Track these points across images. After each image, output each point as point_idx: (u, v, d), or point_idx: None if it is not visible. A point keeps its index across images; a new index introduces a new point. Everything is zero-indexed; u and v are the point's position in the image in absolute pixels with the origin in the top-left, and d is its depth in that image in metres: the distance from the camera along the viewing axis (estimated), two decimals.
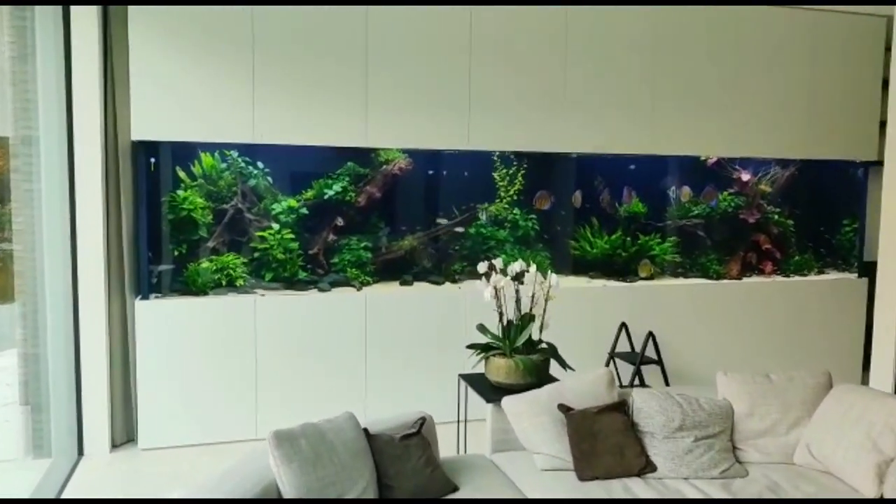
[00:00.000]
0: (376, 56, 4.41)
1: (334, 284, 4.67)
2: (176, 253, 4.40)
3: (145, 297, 4.21)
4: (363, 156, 4.80)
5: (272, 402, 4.35)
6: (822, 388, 3.22)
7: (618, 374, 4.77)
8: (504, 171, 5.07)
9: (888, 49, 5.29)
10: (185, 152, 4.43)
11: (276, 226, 4.60)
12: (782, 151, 5.23)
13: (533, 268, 3.43)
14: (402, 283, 4.81)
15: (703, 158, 5.31)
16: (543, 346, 3.42)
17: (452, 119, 4.56)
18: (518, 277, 3.43)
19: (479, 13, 4.54)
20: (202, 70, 4.12)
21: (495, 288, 3.38)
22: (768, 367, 5.15)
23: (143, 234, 4.22)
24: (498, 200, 5.09)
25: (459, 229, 4.99)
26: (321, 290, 4.58)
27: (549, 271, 3.47)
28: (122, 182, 4.15)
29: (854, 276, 5.51)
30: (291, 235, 4.63)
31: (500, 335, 3.42)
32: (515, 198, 5.10)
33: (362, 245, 4.80)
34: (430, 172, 4.99)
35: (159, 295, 4.31)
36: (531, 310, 3.39)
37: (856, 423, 2.91)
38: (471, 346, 3.46)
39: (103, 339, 4.08)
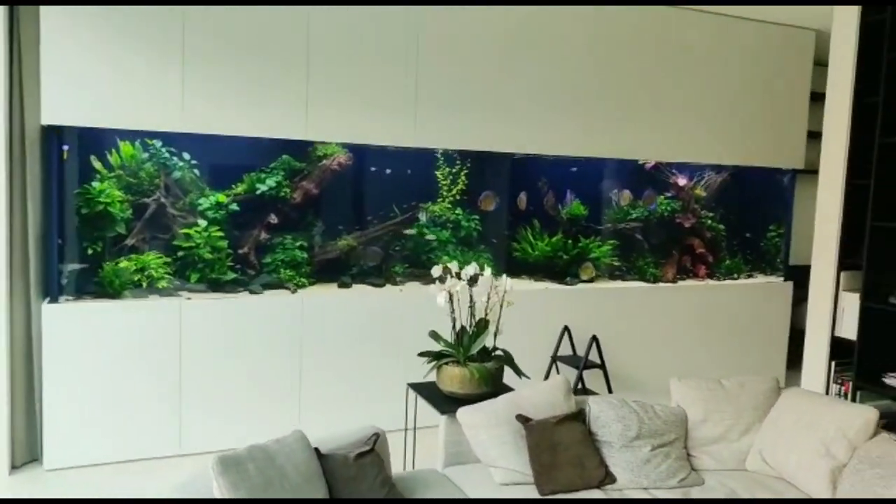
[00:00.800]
0: (319, 49, 4.16)
1: (267, 286, 4.38)
2: (90, 251, 4.00)
3: (54, 300, 3.80)
4: (299, 149, 4.53)
5: (198, 415, 4.02)
6: (772, 392, 3.23)
7: None
8: (447, 170, 4.91)
9: (817, 63, 5.46)
10: (101, 140, 4.03)
11: (202, 222, 4.27)
12: (716, 157, 5.31)
13: (487, 271, 3.29)
14: (340, 286, 4.57)
15: (641, 162, 5.32)
16: (498, 353, 3.28)
17: (399, 115, 4.37)
18: (472, 281, 3.28)
19: (427, 12, 4.36)
20: (122, 50, 3.76)
21: (449, 293, 3.21)
22: (703, 368, 5.26)
23: (53, 230, 3.81)
24: (440, 200, 4.92)
25: (410, 231, 4.79)
26: (252, 292, 4.28)
27: (504, 275, 3.34)
28: (28, 171, 3.72)
29: (780, 279, 5.68)
30: (220, 233, 4.30)
31: (453, 342, 3.26)
32: (458, 198, 4.95)
33: (297, 244, 4.53)
34: (373, 169, 4.76)
35: (70, 298, 3.90)
36: (486, 315, 3.24)
37: (808, 429, 2.92)
38: (423, 354, 3.28)
39: (3, 346, 3.64)
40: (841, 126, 4.12)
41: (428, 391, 3.33)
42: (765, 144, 5.41)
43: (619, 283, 5.21)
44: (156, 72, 3.83)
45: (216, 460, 2.10)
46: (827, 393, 4.18)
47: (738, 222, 5.72)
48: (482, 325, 3.22)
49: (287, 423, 4.21)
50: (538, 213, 5.13)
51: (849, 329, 4.09)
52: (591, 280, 5.14)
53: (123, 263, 4.01)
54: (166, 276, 4.13)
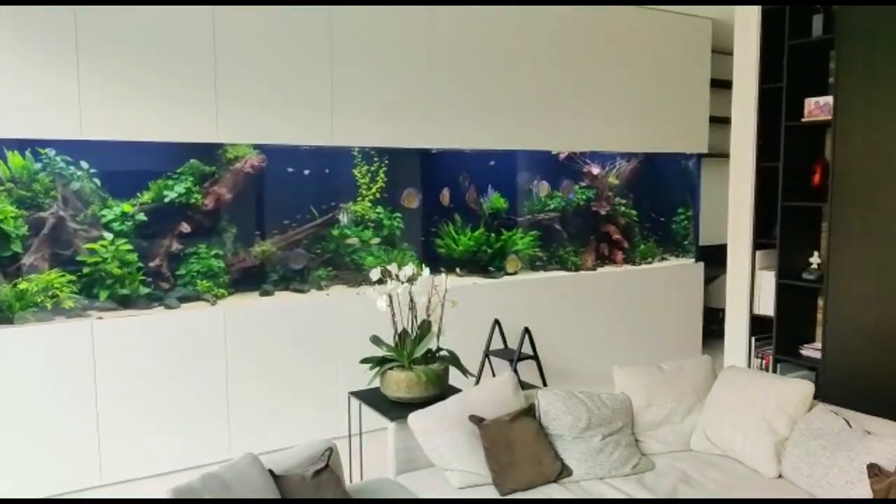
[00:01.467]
0: (226, 47, 3.92)
1: (183, 300, 4.11)
2: None
3: None
4: (207, 152, 4.26)
5: (119, 442, 3.71)
6: (709, 373, 3.32)
7: (493, 372, 4.68)
8: (365, 168, 4.77)
9: (714, 51, 5.70)
10: None
11: (108, 235, 3.94)
12: (625, 146, 5.44)
13: (426, 271, 3.20)
14: (262, 294, 4.35)
15: (554, 153, 5.38)
16: (443, 353, 3.20)
17: (315, 113, 4.19)
18: (410, 282, 3.19)
19: (341, 11, 4.21)
20: (6, 52, 3.39)
21: (389, 296, 3.10)
22: (627, 352, 5.39)
23: None
24: (360, 199, 4.78)
25: (333, 232, 4.62)
26: (168, 306, 4.00)
27: (442, 273, 3.26)
28: None
29: (692, 261, 5.91)
30: (128, 246, 3.99)
31: (396, 346, 3.16)
32: (378, 196, 4.82)
33: (212, 253, 4.27)
34: (289, 170, 4.55)
35: None
36: (428, 315, 3.16)
37: (749, 406, 3.01)
38: (365, 361, 3.15)
39: None
40: (748, 112, 4.31)
41: (371, 398, 3.21)
42: (670, 131, 5.60)
43: (542, 274, 5.26)
44: (48, 75, 3.48)
45: (171, 492, 1.91)
46: (749, 367, 4.38)
47: (648, 207, 5.90)
48: (425, 327, 3.13)
49: (217, 443, 3.96)
50: (460, 207, 5.08)
51: (766, 306, 4.29)
52: (515, 272, 5.15)
53: (23, 285, 3.63)
54: (72, 295, 3.78)
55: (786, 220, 4.13)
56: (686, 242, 6.04)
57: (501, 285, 4.94)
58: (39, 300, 3.67)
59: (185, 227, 4.20)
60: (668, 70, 5.54)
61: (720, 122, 5.79)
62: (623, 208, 5.73)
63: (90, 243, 3.89)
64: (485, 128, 4.77)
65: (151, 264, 4.10)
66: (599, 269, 5.48)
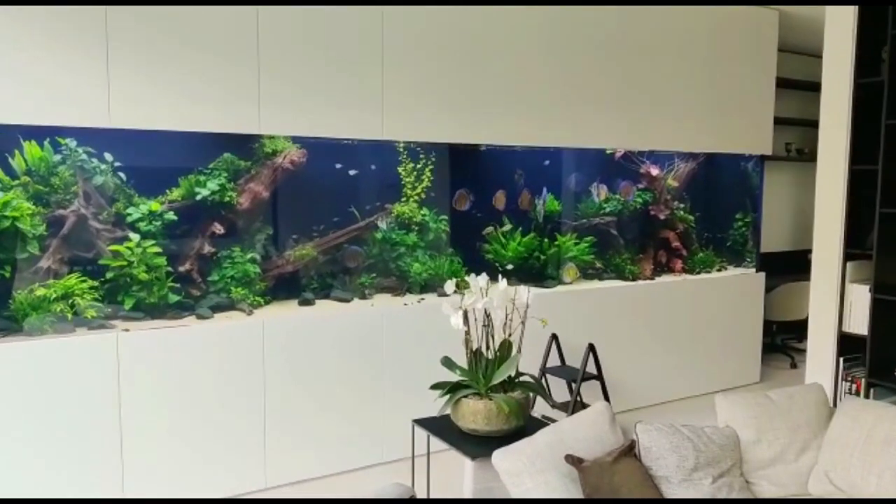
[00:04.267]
0: (271, 38, 3.51)
1: (217, 309, 3.70)
2: None
3: None
4: (242, 146, 3.86)
5: (144, 469, 3.30)
6: (822, 403, 2.91)
7: (549, 392, 4.28)
8: (411, 165, 4.36)
9: (780, 49, 5.30)
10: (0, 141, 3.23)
11: (134, 236, 3.54)
12: (685, 145, 5.03)
13: (503, 283, 2.80)
14: (301, 303, 3.94)
15: (609, 152, 4.97)
16: (524, 379, 2.80)
17: (365, 106, 3.79)
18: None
19: (389, 8, 3.82)
20: (31, 34, 2.99)
21: (465, 312, 2.69)
22: (687, 368, 4.99)
23: None
24: (404, 200, 4.37)
25: (377, 235, 4.21)
26: (201, 317, 3.59)
27: (523, 286, 2.85)
28: None
29: (752, 270, 5.50)
30: (156, 248, 3.58)
31: (470, 370, 2.75)
32: (423, 196, 4.41)
33: (248, 257, 3.87)
34: (338, 166, 4.14)
35: None
36: (508, 335, 2.75)
37: (885, 445, 2.60)
38: (436, 387, 2.75)
39: None
40: (841, 109, 3.90)
41: (440, 428, 2.81)
42: (732, 130, 5.19)
43: (598, 283, 4.85)
44: (74, 55, 3.08)
45: None
46: (836, 391, 3.97)
47: (708, 213, 5.49)
48: (505, 348, 2.73)
49: (252, 470, 3.56)
50: (511, 210, 4.66)
51: (857, 323, 3.89)
52: (572, 282, 4.75)
53: (40, 291, 3.22)
54: (94, 303, 3.38)
55: (883, 229, 3.73)
56: (745, 250, 5.63)
57: (555, 296, 4.53)
58: (58, 308, 3.27)
59: (219, 228, 3.80)
60: (733, 69, 5.13)
61: (779, 123, 5.40)
62: (682, 213, 5.32)
63: (114, 245, 3.49)
64: (538, 123, 4.37)
65: (181, 269, 3.69)
66: (657, 279, 5.07)
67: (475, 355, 2.74)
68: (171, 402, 3.35)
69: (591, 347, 4.00)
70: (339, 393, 3.78)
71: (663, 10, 4.77)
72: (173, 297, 3.61)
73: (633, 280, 4.95)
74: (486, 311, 2.74)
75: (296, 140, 3.94)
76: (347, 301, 4.02)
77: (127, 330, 3.30)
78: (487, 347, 2.77)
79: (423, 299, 4.14)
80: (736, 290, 5.31)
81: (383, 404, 3.90)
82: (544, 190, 4.70)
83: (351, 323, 3.81)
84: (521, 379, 2.78)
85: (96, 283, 3.43)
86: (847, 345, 3.95)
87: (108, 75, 3.16)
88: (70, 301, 3.29)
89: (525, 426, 2.67)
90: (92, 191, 3.48)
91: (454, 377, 2.77)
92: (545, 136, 4.41)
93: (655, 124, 4.84)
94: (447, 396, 2.73)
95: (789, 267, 6.38)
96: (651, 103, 4.79)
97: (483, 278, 2.80)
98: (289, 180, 4.00)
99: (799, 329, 6.49)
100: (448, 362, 2.77)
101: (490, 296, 2.75)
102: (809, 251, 7.00)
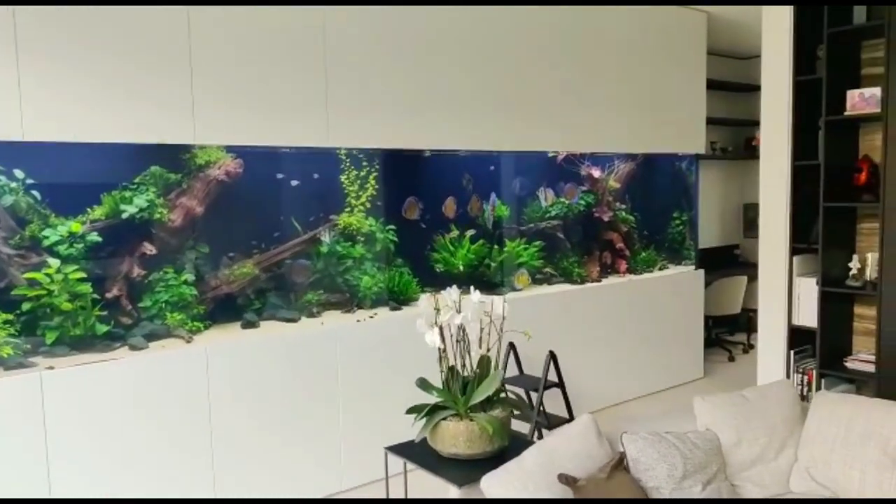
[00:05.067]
0: (203, 42, 3.23)
1: (151, 337, 3.37)
2: None
3: None
4: (171, 157, 3.55)
5: None
6: (795, 400, 2.91)
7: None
8: (354, 173, 4.14)
9: (709, 53, 5.40)
10: None
11: (53, 261, 3.17)
12: (624, 146, 5.03)
13: (476, 294, 2.64)
14: (244, 326, 3.65)
15: (551, 155, 4.91)
16: (503, 395, 2.64)
17: (308, 113, 3.56)
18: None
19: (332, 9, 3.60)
20: None
21: (441, 328, 2.52)
22: (639, 368, 4.98)
23: None
24: (348, 210, 4.14)
25: (323, 248, 3.96)
26: (135, 347, 3.26)
27: (498, 297, 2.70)
28: None
29: (691, 268, 5.57)
30: (80, 273, 3.22)
31: (445, 390, 2.57)
32: (368, 206, 4.20)
33: (183, 279, 3.55)
34: (279, 176, 3.87)
35: None
36: (487, 350, 2.59)
37: (864, 438, 2.60)
38: (412, 410, 2.55)
39: None
40: (781, 108, 3.97)
41: (415, 454, 2.61)
42: (668, 131, 5.24)
43: (548, 288, 4.76)
44: None
45: None
46: (790, 382, 4.02)
47: (646, 212, 5.53)
48: (485, 365, 2.57)
49: None
50: (460, 217, 4.52)
51: (805, 316, 3.95)
52: (523, 288, 4.64)
53: None
54: (10, 338, 2.99)
55: (827, 222, 3.80)
56: (683, 248, 5.70)
57: (508, 303, 4.40)
58: None
59: (149, 248, 3.47)
60: (665, 70, 5.18)
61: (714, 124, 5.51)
62: (624, 213, 5.32)
63: (30, 272, 3.11)
64: (482, 128, 4.25)
65: (109, 295, 3.33)
66: (604, 281, 5.04)
67: (451, 373, 2.57)
68: (107, 446, 3.00)
69: (552, 355, 3.90)
70: (290, 421, 3.51)
71: (600, 14, 4.75)
72: (101, 328, 3.26)
73: (582, 283, 4.90)
74: (461, 326, 2.57)
75: (230, 150, 3.66)
76: (294, 321, 3.76)
77: (51, 368, 2.93)
78: (463, 365, 2.61)
79: (375, 314, 3.93)
80: (677, 287, 5.36)
81: (339, 430, 3.66)
82: (493, 195, 4.57)
83: (300, 344, 3.56)
84: (501, 396, 2.62)
85: (10, 317, 3.04)
86: (795, 337, 4.01)
87: (19, 83, 2.80)
88: None
89: (511, 447, 2.52)
90: (1, 212, 3.09)
91: (424, 397, 2.58)
92: (488, 140, 4.29)
93: (594, 127, 4.81)
94: (424, 420, 2.54)
95: (718, 262, 6.53)
96: (590, 105, 4.76)
97: (454, 291, 2.63)
98: (224, 193, 3.70)
99: (730, 323, 6.66)
100: (424, 383, 2.58)
101: (464, 309, 2.59)
102: (736, 246, 7.27)
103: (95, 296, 3.26)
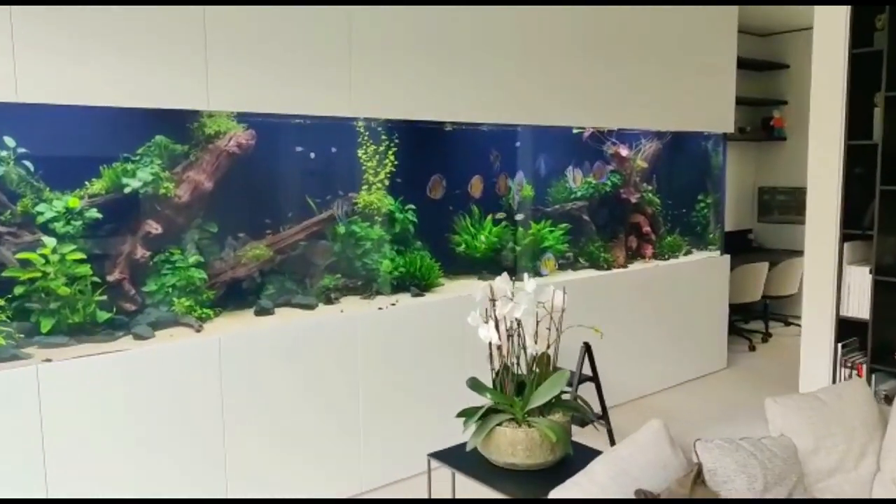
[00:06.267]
0: None
1: (158, 325, 3.05)
2: None
3: None
4: (176, 126, 3.21)
5: None
6: (870, 400, 2.67)
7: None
8: (372, 147, 3.82)
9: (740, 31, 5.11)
10: None
11: (49, 240, 2.83)
12: (652, 123, 4.73)
13: (531, 283, 2.35)
14: (258, 313, 3.34)
15: (576, 131, 4.61)
16: (565, 398, 2.37)
17: (330, 77, 3.22)
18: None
19: None
20: None
21: (496, 321, 2.23)
22: (664, 358, 4.73)
23: None
24: (365, 188, 3.82)
25: (340, 230, 3.65)
26: (140, 336, 2.94)
27: (554, 288, 2.41)
28: None
29: (717, 253, 5.32)
30: (78, 254, 2.89)
31: (500, 391, 2.29)
32: (387, 183, 3.89)
33: (191, 261, 3.22)
34: (299, 149, 3.54)
35: None
36: (547, 346, 2.31)
37: None
38: (463, 414, 2.27)
39: None
40: (835, 83, 3.69)
41: (465, 463, 2.33)
42: (696, 109, 4.96)
43: (572, 274, 4.49)
44: None
45: None
46: (834, 378, 3.80)
47: (671, 194, 5.26)
48: (544, 363, 2.28)
49: None
50: (485, 197, 4.22)
51: (854, 306, 3.72)
52: (549, 274, 4.36)
53: None
54: (2, 327, 2.66)
55: (884, 207, 3.55)
56: (707, 232, 5.44)
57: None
58: None
59: (154, 227, 3.14)
60: (695, 50, 4.88)
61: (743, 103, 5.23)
62: (650, 195, 5.05)
63: (23, 252, 2.77)
64: (506, 99, 3.94)
65: (111, 278, 3.01)
66: (630, 266, 4.77)
67: (506, 372, 2.28)
68: (112, 445, 2.69)
69: (587, 347, 3.63)
70: (308, 417, 3.22)
71: None
72: (102, 315, 2.93)
73: (608, 269, 4.63)
74: (517, 320, 2.29)
75: (241, 119, 3.32)
76: (311, 307, 3.45)
77: (49, 360, 2.61)
78: (515, 363, 2.33)
79: (396, 301, 3.63)
80: (703, 274, 5.11)
81: (360, 427, 3.38)
82: (519, 173, 4.27)
83: (319, 333, 3.25)
84: (563, 400, 2.34)
85: (2, 302, 2.71)
86: (843, 329, 3.78)
87: (11, 35, 2.45)
88: None
89: (574, 457, 2.25)
90: None
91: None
92: (515, 113, 3.97)
93: (622, 103, 4.51)
94: (475, 425, 2.26)
95: (732, 247, 6.29)
96: (617, 81, 4.45)
97: (505, 279, 2.34)
98: (235, 167, 3.37)
99: (745, 311, 6.44)
100: (475, 383, 2.30)
101: (518, 300, 2.30)
102: (749, 231, 7.04)
103: (95, 279, 2.94)
